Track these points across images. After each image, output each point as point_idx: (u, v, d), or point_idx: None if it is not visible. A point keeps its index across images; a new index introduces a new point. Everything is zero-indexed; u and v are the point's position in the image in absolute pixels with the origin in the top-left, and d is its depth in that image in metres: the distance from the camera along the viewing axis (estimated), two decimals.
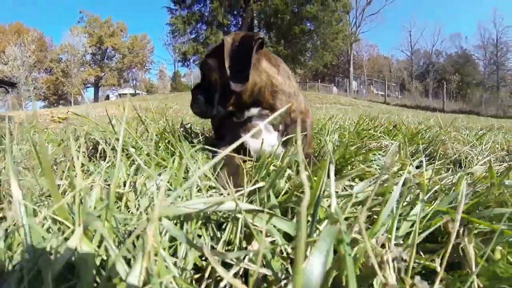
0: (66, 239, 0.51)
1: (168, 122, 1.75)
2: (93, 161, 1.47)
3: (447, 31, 76.91)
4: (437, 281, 0.45)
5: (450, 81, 43.22)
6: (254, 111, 1.31)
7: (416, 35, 67.27)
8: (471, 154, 1.57)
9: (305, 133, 1.33)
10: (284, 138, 1.24)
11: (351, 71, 43.00)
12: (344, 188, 0.89)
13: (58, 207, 0.54)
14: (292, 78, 1.37)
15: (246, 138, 1.24)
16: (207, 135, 2.27)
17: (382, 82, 36.67)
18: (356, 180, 1.11)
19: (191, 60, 27.72)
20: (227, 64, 1.21)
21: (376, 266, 0.40)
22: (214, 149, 1.16)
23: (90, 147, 1.63)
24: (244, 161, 1.32)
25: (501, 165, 1.53)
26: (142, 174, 0.95)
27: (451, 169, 1.43)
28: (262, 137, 1.29)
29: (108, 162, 1.35)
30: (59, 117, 4.58)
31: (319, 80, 38.03)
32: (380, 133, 2.35)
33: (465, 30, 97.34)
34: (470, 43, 61.15)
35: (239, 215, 0.60)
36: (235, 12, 27.64)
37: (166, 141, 1.42)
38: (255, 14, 26.24)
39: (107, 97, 53.12)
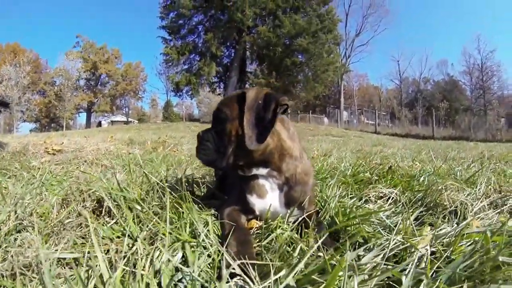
0: None
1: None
2: (97, 216, 1.50)
3: (434, 59, 79.15)
4: None
5: (439, 108, 44.05)
6: (263, 171, 1.31)
7: (404, 64, 69.24)
8: (466, 201, 1.62)
9: (307, 195, 1.35)
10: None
11: (342, 102, 43.76)
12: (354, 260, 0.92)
13: None
14: (298, 140, 1.40)
15: (252, 199, 1.30)
16: (208, 179, 2.30)
17: (373, 111, 37.28)
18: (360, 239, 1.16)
19: (184, 91, 28.07)
20: (245, 120, 1.19)
21: None
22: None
23: (95, 201, 1.64)
24: (249, 219, 1.35)
25: (495, 209, 1.59)
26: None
27: (447, 218, 1.48)
28: (268, 197, 1.32)
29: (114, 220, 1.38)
30: (53, 149, 4.56)
31: (310, 111, 38.61)
32: (376, 175, 2.42)
33: (451, 57, 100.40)
34: (456, 69, 62.87)
35: None
36: (228, 44, 28.34)
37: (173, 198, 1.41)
38: (247, 46, 26.88)
39: (99, 124, 53.14)
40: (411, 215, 1.33)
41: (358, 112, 47.34)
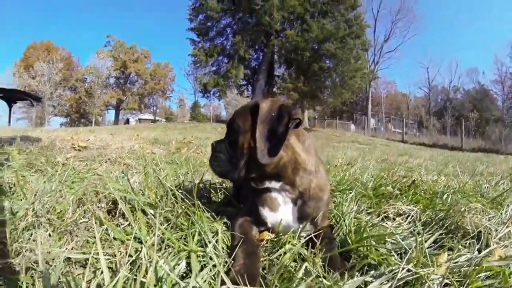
0: None
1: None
2: (112, 217, 1.52)
3: (464, 65, 75.91)
4: None
5: (468, 118, 42.44)
6: (275, 184, 1.28)
7: (434, 71, 66.99)
8: (490, 226, 1.53)
9: (321, 211, 1.31)
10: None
11: (369, 109, 42.98)
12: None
13: None
14: (314, 153, 1.36)
15: (264, 212, 1.28)
16: (227, 185, 2.28)
17: (400, 119, 36.45)
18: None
19: (212, 92, 28.29)
20: (258, 133, 1.16)
21: None
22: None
23: (110, 202, 1.66)
24: (261, 231, 1.33)
25: None
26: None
27: (469, 243, 1.40)
28: (280, 211, 1.29)
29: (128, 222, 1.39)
30: (79, 145, 4.68)
31: (337, 117, 38.37)
32: (398, 189, 2.33)
33: (482, 65, 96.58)
34: (488, 77, 60.30)
35: None
36: (256, 47, 28.38)
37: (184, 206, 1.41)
38: (275, 50, 26.83)
39: (127, 121, 54.64)
40: (429, 238, 1.27)
41: (385, 119, 46.47)
